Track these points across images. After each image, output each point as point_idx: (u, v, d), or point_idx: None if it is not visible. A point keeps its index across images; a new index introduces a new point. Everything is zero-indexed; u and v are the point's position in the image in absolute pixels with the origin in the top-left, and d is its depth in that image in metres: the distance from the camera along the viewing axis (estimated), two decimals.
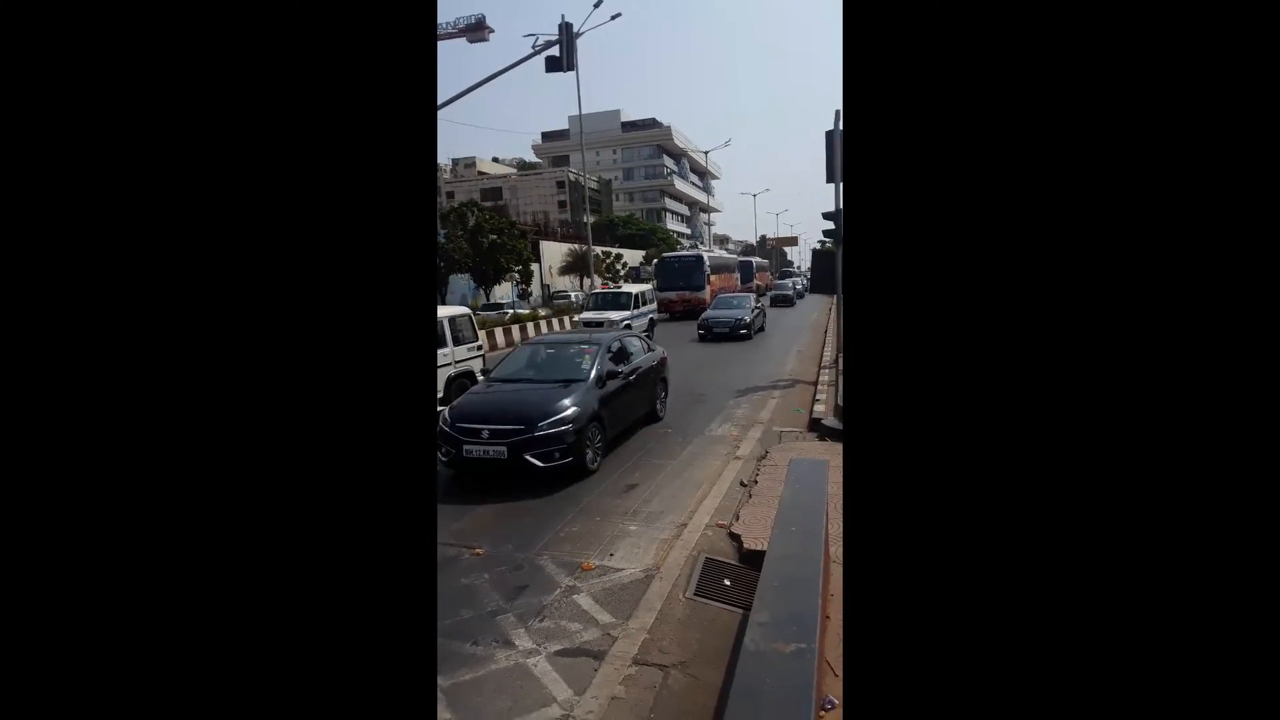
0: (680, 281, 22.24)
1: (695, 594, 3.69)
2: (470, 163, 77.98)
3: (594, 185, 62.38)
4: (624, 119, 75.38)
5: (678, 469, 6.03)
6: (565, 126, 73.69)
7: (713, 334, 15.77)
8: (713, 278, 23.30)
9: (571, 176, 62.08)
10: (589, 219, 29.61)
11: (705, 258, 23.35)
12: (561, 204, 63.01)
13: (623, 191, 74.96)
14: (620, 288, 21.70)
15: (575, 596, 3.73)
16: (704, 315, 16.64)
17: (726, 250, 52.75)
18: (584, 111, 24.67)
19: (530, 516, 4.98)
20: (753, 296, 18.58)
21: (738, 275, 30.28)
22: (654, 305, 17.81)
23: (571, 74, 15.66)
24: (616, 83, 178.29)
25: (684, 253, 26.69)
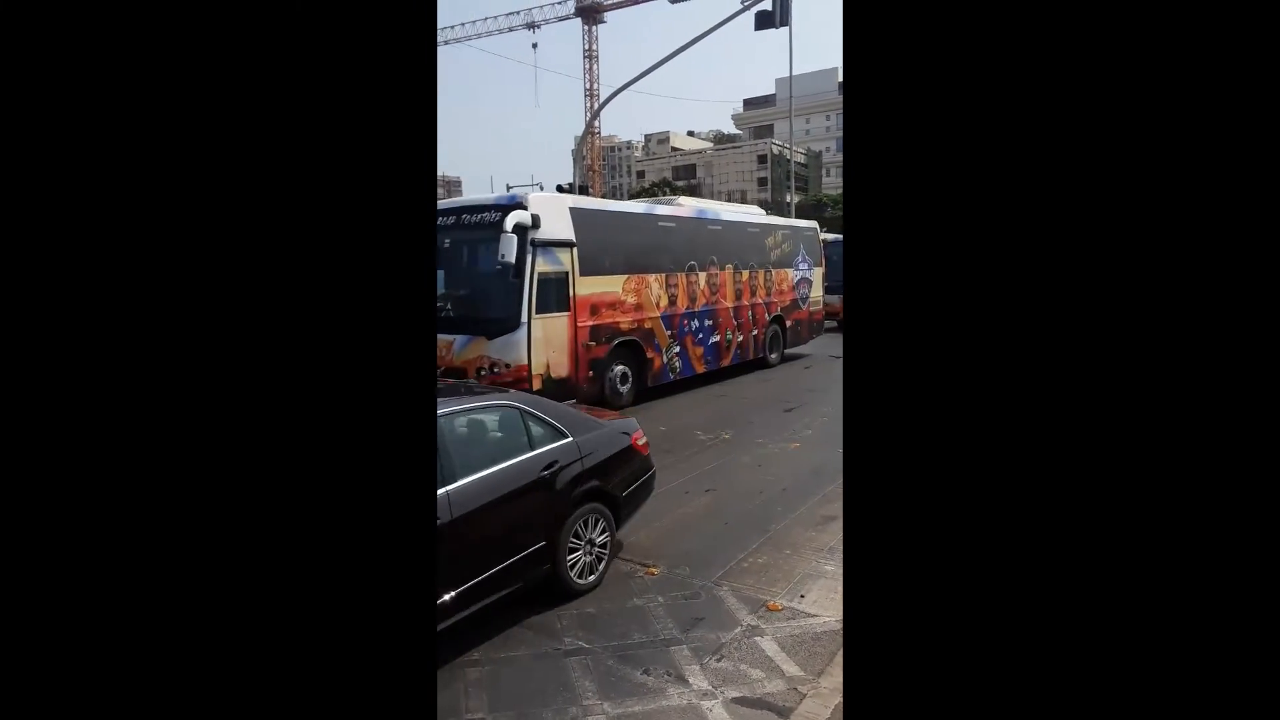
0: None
1: None
2: (664, 138, 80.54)
3: (800, 159, 61.11)
4: (842, 79, 72.80)
5: None
6: (772, 91, 73.06)
7: None
8: None
9: (775, 149, 61.42)
10: (793, 199, 29.06)
11: None
12: (761, 181, 62.65)
13: (834, 166, 72.48)
14: None
15: (758, 639, 3.71)
16: None
17: None
18: (795, 73, 24.24)
19: (711, 539, 5.05)
20: None
21: None
22: None
23: (784, 31, 15.48)
24: (836, 35, 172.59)
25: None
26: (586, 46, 56.75)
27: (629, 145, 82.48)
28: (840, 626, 3.79)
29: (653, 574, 4.49)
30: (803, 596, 4.17)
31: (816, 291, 14.36)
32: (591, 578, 4.19)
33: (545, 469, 3.90)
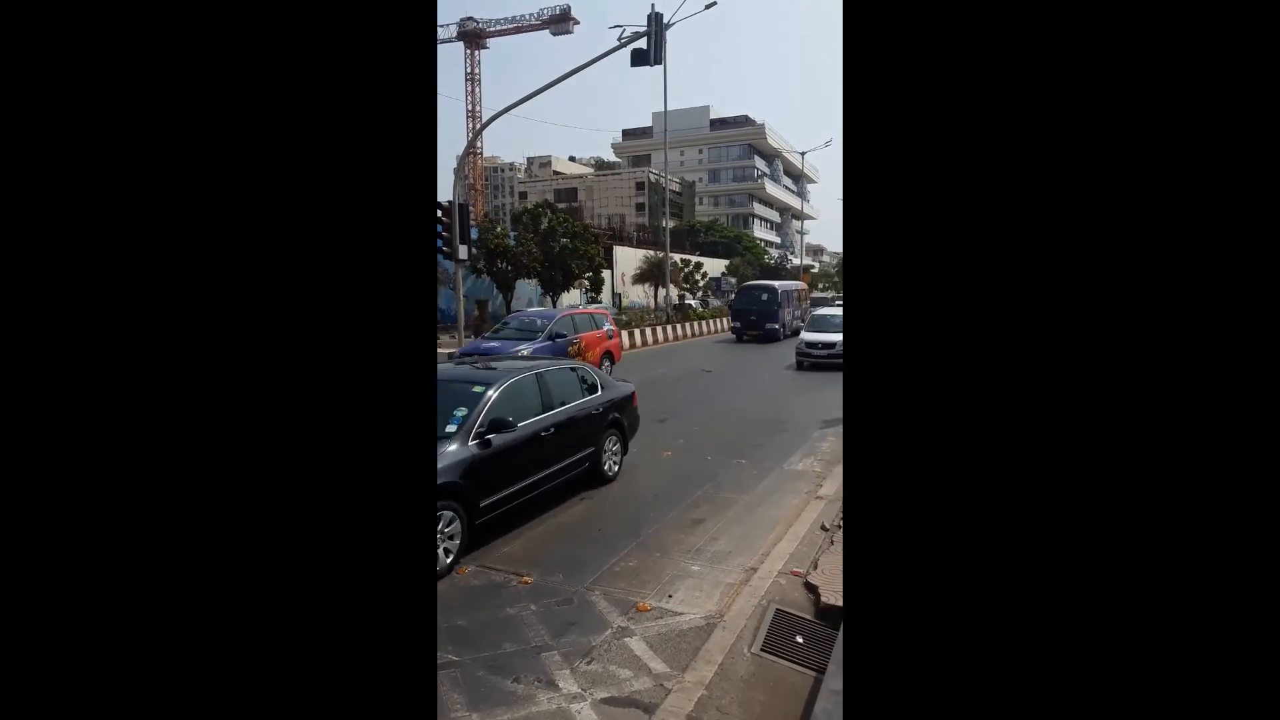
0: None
1: (762, 649, 3.56)
2: (546, 162, 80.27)
3: (675, 187, 62.86)
4: (713, 115, 75.70)
5: (750, 505, 5.89)
6: (649, 124, 74.77)
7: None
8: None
9: (652, 177, 62.81)
10: (668, 223, 29.80)
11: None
12: (640, 206, 63.84)
13: (707, 195, 75.14)
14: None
15: (627, 639, 3.68)
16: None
17: (821, 261, 51.94)
18: (670, 108, 24.93)
19: (585, 545, 4.98)
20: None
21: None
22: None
23: (659, 69, 15.88)
24: (707, 77, 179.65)
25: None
26: (469, 69, 55.72)
27: (511, 167, 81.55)
28: (704, 623, 3.84)
29: (526, 583, 4.36)
30: (670, 596, 4.19)
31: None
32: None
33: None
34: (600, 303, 29.88)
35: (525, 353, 11.30)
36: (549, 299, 26.81)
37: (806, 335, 15.76)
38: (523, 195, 68.36)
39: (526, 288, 27.83)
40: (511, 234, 25.01)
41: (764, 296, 23.60)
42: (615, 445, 6.67)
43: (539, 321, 13.46)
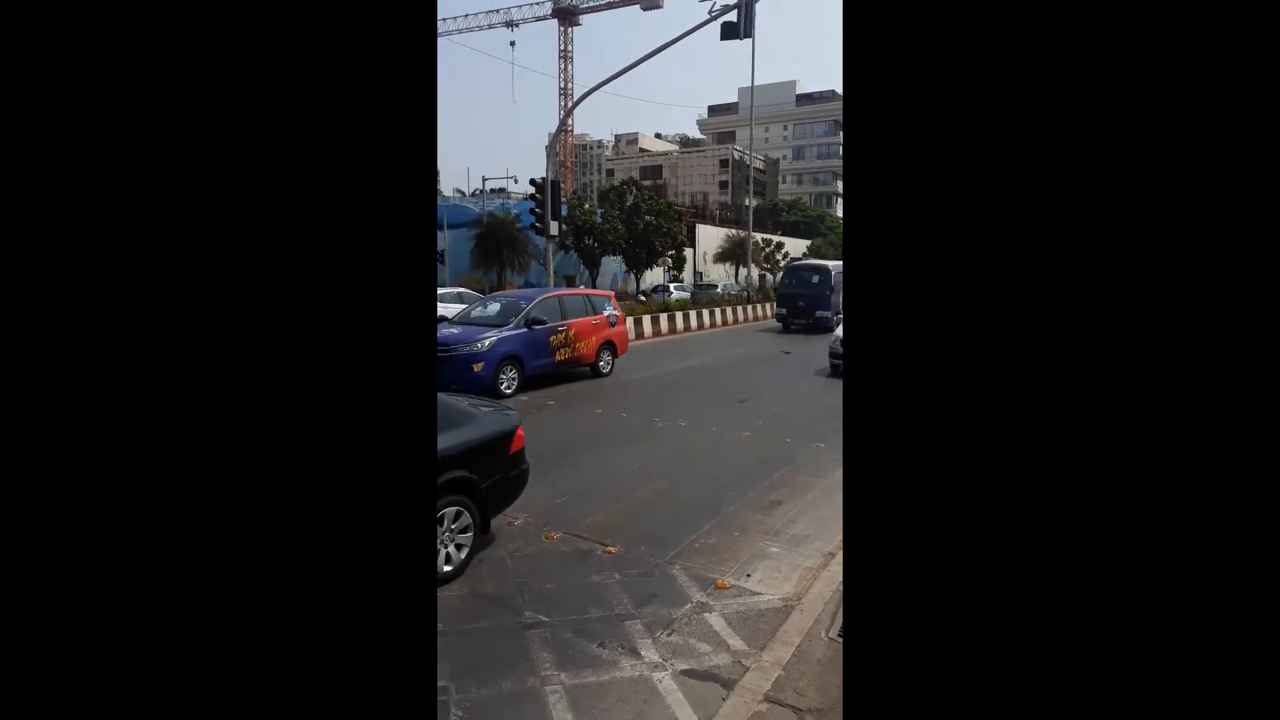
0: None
1: (840, 634, 3.58)
2: (633, 139, 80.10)
3: (759, 165, 61.54)
4: (799, 90, 73.38)
5: (828, 490, 5.85)
6: (734, 100, 73.27)
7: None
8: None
9: (736, 155, 61.71)
10: (751, 202, 29.30)
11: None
12: (723, 184, 62.92)
13: (790, 172, 73.19)
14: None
15: (707, 615, 3.77)
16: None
17: None
18: (756, 83, 24.37)
19: (666, 520, 5.10)
20: None
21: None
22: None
23: (747, 42, 15.56)
24: (797, 51, 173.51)
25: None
26: (562, 47, 56.07)
27: (599, 144, 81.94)
28: (782, 604, 3.88)
29: (610, 553, 4.52)
30: (749, 575, 4.26)
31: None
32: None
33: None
34: (681, 282, 29.81)
35: (485, 345, 9.44)
36: (633, 276, 26.99)
37: (841, 332, 11.97)
38: (609, 172, 68.63)
39: (611, 264, 28.09)
40: (598, 211, 25.27)
41: (815, 279, 19.72)
42: (458, 522, 4.04)
43: (521, 304, 10.61)
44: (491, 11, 55.84)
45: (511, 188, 39.92)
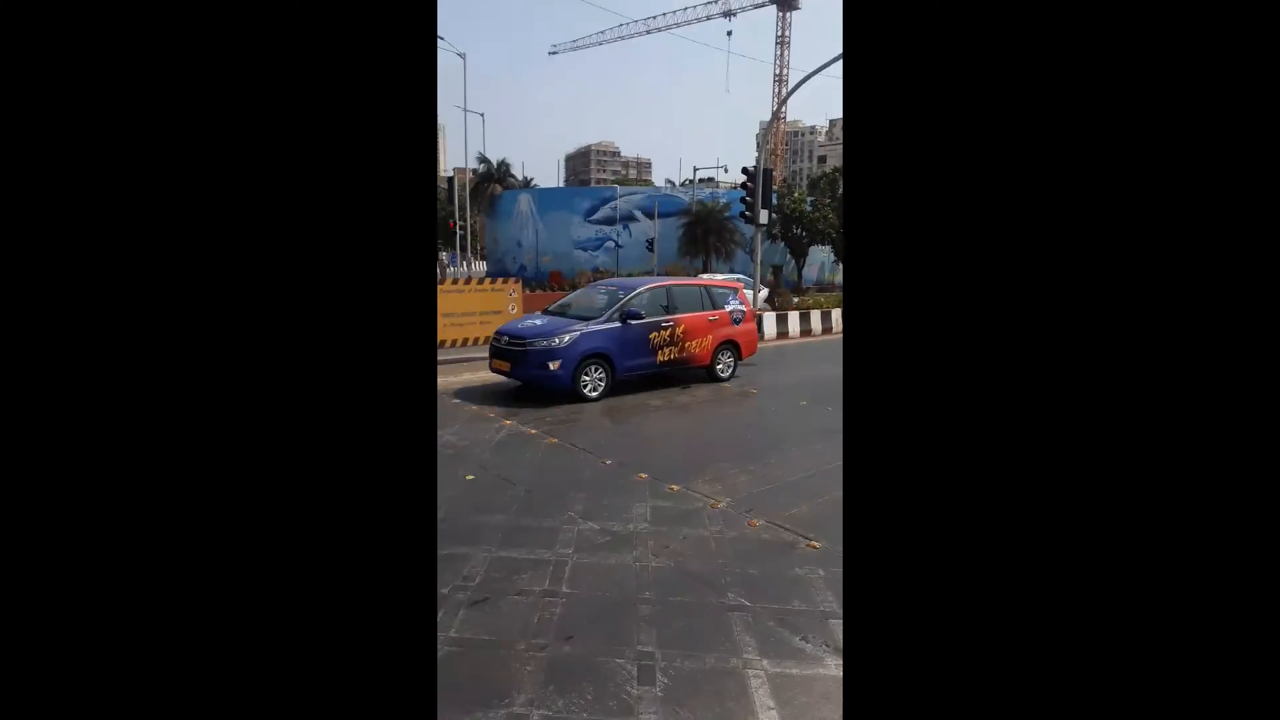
0: None
1: None
2: None
3: None
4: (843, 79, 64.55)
5: None
6: None
7: None
8: None
9: None
10: None
11: None
12: None
13: None
14: None
15: None
16: None
17: None
18: None
19: None
20: None
21: None
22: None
23: None
24: None
25: None
26: (779, 33, 55.02)
27: (812, 130, 79.35)
28: None
29: (814, 548, 4.39)
30: None
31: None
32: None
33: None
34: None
35: (564, 341, 8.26)
36: (841, 266, 25.90)
37: None
38: (822, 159, 66.26)
39: (819, 253, 27.19)
40: (808, 199, 24.52)
41: None
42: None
43: (620, 294, 9.12)
44: (709, 3, 56.26)
45: (721, 177, 40.18)
